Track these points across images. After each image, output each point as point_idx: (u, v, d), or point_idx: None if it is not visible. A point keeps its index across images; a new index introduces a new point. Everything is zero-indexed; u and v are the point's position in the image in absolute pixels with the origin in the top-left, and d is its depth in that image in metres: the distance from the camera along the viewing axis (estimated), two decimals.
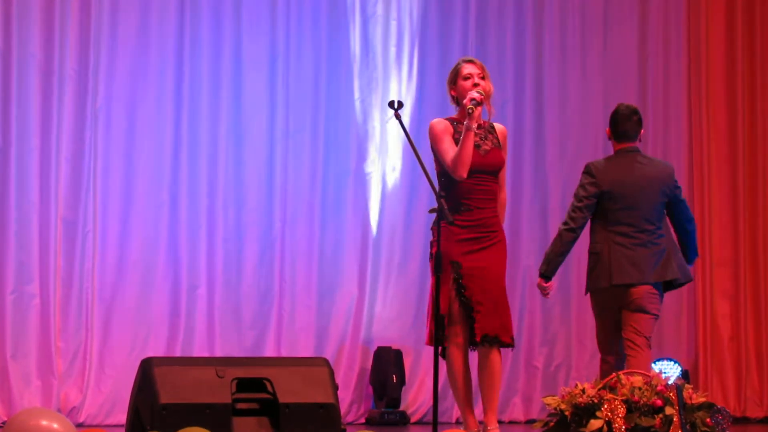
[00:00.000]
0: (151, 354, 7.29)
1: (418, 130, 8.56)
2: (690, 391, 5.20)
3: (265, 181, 8.64)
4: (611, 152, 6.62)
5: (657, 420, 5.06)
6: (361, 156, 8.85)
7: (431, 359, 7.84)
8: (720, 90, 9.52)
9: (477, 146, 6.01)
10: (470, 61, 6.18)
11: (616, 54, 9.40)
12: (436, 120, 6.16)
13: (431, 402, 7.59)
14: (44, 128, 8.10)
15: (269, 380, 5.20)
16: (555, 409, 5.26)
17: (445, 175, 6.06)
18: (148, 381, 5.09)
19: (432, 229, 5.93)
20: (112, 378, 8.12)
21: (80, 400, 8.06)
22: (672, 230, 6.58)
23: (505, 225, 6.25)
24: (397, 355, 8.62)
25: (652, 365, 7.59)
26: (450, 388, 6.35)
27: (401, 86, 8.95)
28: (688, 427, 5.07)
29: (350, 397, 8.66)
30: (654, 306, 6.38)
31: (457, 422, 8.36)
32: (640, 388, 5.11)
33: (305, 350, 8.54)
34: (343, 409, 7.81)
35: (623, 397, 5.10)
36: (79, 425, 7.85)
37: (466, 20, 9.09)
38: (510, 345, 6.03)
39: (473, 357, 6.08)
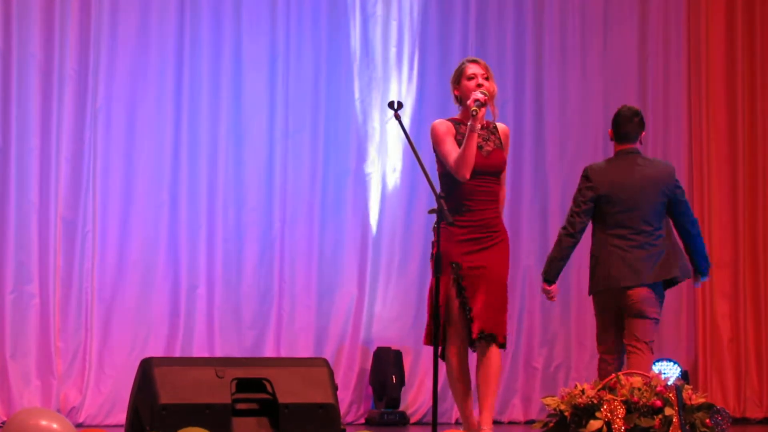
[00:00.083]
0: (150, 354, 7.28)
1: (418, 130, 8.57)
2: (689, 391, 5.20)
3: (264, 181, 8.64)
4: (611, 153, 6.65)
5: (656, 421, 5.06)
6: (361, 156, 8.85)
7: (431, 360, 7.84)
8: (720, 90, 9.52)
9: (479, 147, 5.99)
10: (474, 61, 6.15)
11: (616, 54, 9.40)
12: (438, 121, 6.15)
13: (431, 402, 7.59)
14: (44, 128, 8.10)
15: (269, 380, 5.20)
16: (554, 409, 5.26)
17: (447, 176, 6.05)
18: (148, 381, 5.08)
19: (433, 229, 5.93)
20: (112, 378, 8.12)
21: (80, 400, 8.06)
22: (675, 233, 6.61)
23: (505, 224, 6.25)
24: (397, 355, 8.62)
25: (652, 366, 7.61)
26: (449, 389, 6.35)
27: (401, 86, 8.95)
28: (687, 427, 5.07)
29: (350, 398, 8.66)
30: (653, 310, 6.42)
31: (457, 423, 8.36)
32: (639, 389, 5.11)
33: (305, 350, 8.54)
34: (342, 410, 7.81)
35: (623, 398, 5.10)
36: (79, 425, 7.85)
37: (466, 21, 9.09)
38: (502, 345, 6.03)
39: (472, 358, 6.08)
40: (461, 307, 5.97)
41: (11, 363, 7.92)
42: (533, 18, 9.24)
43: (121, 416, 7.46)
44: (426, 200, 8.66)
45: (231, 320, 8.48)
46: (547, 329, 9.11)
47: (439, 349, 5.86)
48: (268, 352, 8.48)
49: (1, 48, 8.05)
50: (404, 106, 6.50)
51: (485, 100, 5.94)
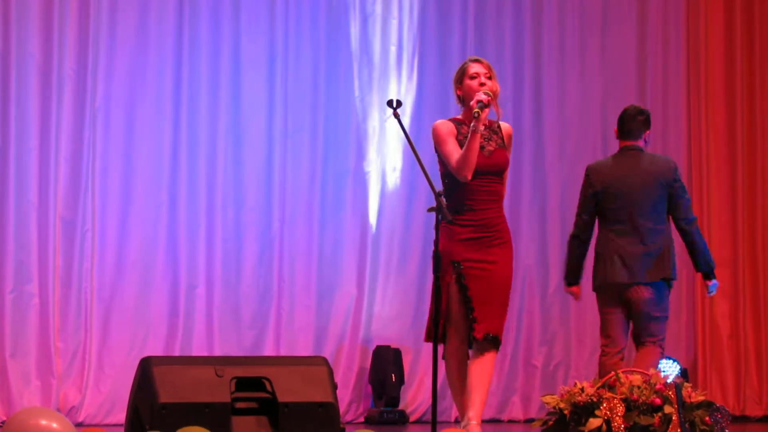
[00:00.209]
0: (150, 353, 7.28)
1: (418, 129, 8.57)
2: (689, 389, 5.20)
3: (264, 181, 8.64)
4: (610, 152, 6.69)
5: (656, 418, 5.06)
6: (361, 155, 8.85)
7: (430, 358, 7.83)
8: (719, 90, 9.52)
9: (481, 147, 5.97)
10: (477, 61, 6.11)
11: (615, 54, 9.40)
12: (439, 121, 6.12)
13: (430, 401, 7.55)
14: (43, 128, 8.10)
15: (268, 379, 5.20)
16: (554, 407, 5.26)
17: (449, 176, 6.04)
18: (148, 380, 5.08)
19: (435, 228, 5.92)
20: (111, 377, 8.12)
21: (79, 400, 8.06)
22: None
23: None
24: (396, 354, 8.62)
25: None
26: (449, 388, 6.35)
27: (400, 86, 8.94)
28: (687, 425, 5.07)
29: (349, 396, 8.66)
30: (657, 308, 6.51)
31: (456, 421, 8.35)
32: (639, 387, 5.12)
33: (304, 349, 8.54)
34: (342, 408, 7.80)
35: (622, 396, 5.10)
36: (79, 425, 7.85)
37: (465, 20, 9.09)
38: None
39: None
40: (463, 307, 5.96)
41: (11, 363, 7.92)
42: (532, 17, 9.24)
43: (120, 415, 7.45)
44: (425, 199, 8.66)
45: (230, 320, 8.48)
46: (547, 328, 9.11)
47: (440, 349, 5.86)
48: (268, 351, 8.47)
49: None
50: (403, 105, 6.51)
51: (488, 100, 5.89)
